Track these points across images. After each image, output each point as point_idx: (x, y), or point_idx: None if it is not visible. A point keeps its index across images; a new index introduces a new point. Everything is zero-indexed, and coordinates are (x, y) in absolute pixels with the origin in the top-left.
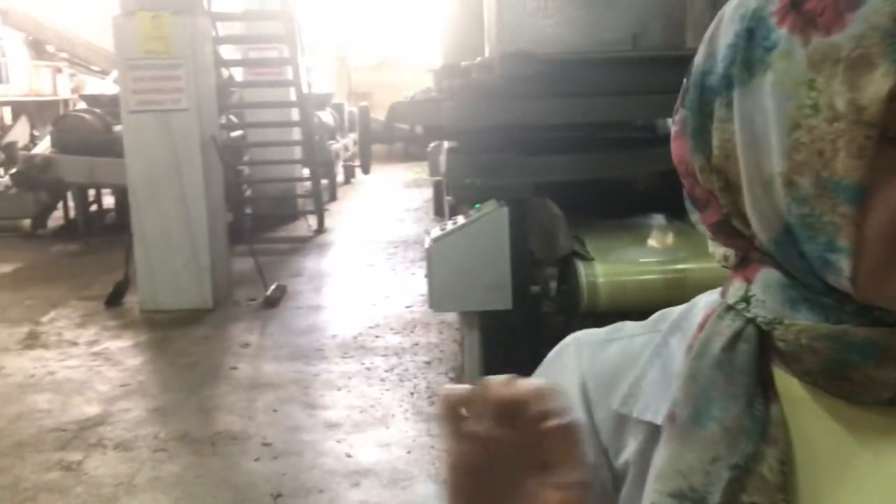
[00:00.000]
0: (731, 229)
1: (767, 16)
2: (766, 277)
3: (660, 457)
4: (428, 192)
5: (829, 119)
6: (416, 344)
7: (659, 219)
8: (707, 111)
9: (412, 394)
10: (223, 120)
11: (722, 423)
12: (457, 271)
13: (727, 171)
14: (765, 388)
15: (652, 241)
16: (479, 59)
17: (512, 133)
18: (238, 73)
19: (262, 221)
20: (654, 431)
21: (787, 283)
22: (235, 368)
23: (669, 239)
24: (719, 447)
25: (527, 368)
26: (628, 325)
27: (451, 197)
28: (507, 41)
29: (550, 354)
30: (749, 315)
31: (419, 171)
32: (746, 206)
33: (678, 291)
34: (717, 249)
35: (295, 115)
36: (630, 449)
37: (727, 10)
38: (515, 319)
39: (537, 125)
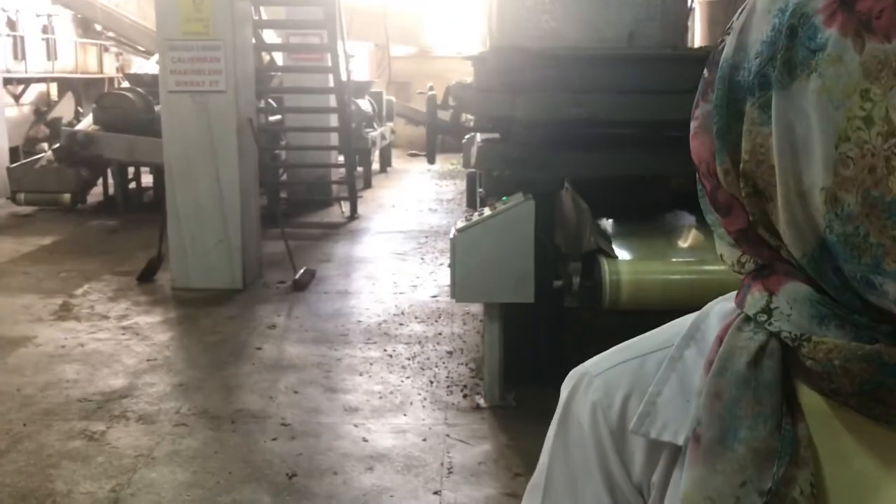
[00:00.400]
0: (756, 238)
1: (812, 13)
2: (793, 290)
3: (686, 480)
4: (462, 184)
5: (883, 134)
6: (440, 334)
7: (688, 219)
8: (736, 110)
9: (431, 382)
10: (262, 104)
11: (750, 444)
12: (481, 263)
13: (756, 178)
14: (790, 405)
15: (678, 241)
16: (478, 51)
17: (546, 128)
18: (279, 58)
19: (296, 206)
20: (674, 452)
21: (816, 298)
22: (260, 349)
23: (696, 240)
24: (749, 471)
25: (547, 362)
26: (635, 344)
27: (483, 189)
28: (506, 35)
29: (560, 406)
30: (772, 329)
31: (454, 162)
32: (779, 217)
33: (701, 292)
34: (728, 252)
35: (333, 101)
36: (645, 470)
37: (758, 1)
38: (537, 313)
39: (528, 120)
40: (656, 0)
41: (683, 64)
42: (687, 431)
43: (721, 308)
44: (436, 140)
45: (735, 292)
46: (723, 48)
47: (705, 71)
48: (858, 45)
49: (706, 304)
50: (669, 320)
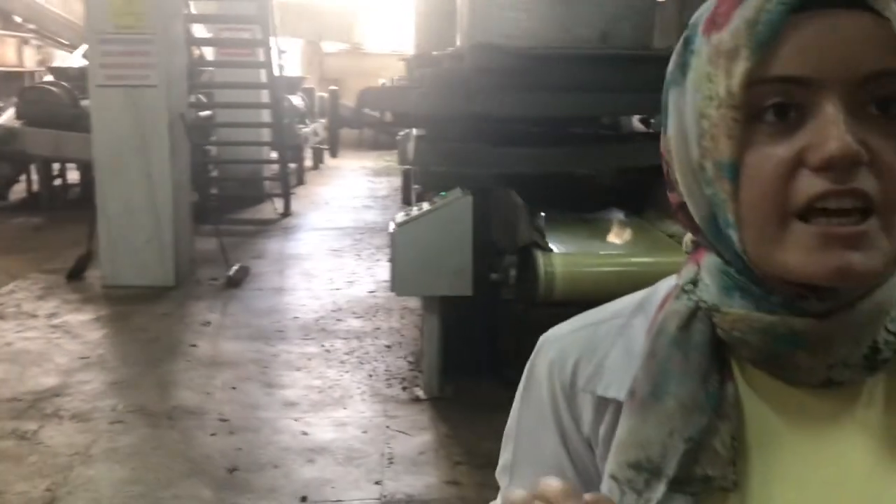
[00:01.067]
0: (686, 212)
1: (699, 23)
2: (710, 262)
3: (621, 429)
4: (397, 181)
5: (717, 106)
6: (378, 328)
7: (618, 214)
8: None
9: (371, 376)
10: (192, 99)
11: (678, 398)
12: (420, 257)
13: (671, 161)
14: (722, 367)
15: (610, 235)
16: (450, 49)
17: (479, 123)
18: (209, 53)
19: (228, 202)
20: (618, 408)
21: (723, 268)
22: (195, 346)
23: (627, 234)
24: (675, 421)
25: (484, 354)
26: (592, 314)
27: (418, 185)
28: (479, 33)
29: (527, 366)
30: (695, 298)
31: (389, 159)
32: (683, 191)
33: (632, 284)
34: (686, 236)
35: (265, 97)
36: (594, 424)
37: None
38: (475, 306)
39: (504, 117)
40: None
41: (653, 63)
42: (628, 388)
43: (668, 283)
44: (339, 134)
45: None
46: None
47: None
48: (708, 40)
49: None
50: None
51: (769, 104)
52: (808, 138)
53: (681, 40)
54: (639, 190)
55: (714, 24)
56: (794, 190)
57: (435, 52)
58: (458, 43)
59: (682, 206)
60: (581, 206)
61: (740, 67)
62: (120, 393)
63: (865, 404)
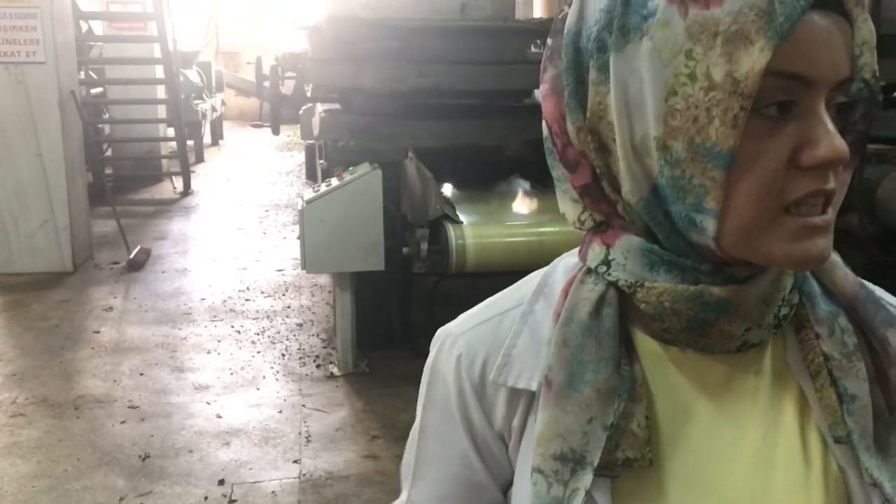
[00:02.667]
0: (598, 192)
1: None
2: (627, 242)
3: (540, 421)
4: (300, 156)
5: (705, 88)
6: (288, 307)
7: (524, 184)
8: (581, 72)
9: (283, 356)
10: (81, 75)
11: (594, 385)
12: (330, 233)
13: (601, 133)
14: (627, 348)
15: (516, 205)
16: (311, 22)
17: (385, 98)
18: (98, 27)
19: (124, 182)
20: (530, 398)
21: (647, 247)
22: (98, 332)
23: (533, 204)
24: (594, 409)
25: (398, 327)
26: (493, 304)
27: (324, 160)
28: (340, 5)
29: (428, 363)
30: (610, 278)
31: (291, 133)
32: (620, 167)
33: (540, 253)
34: (571, 210)
35: (159, 72)
36: (507, 417)
37: None
38: (388, 280)
39: (369, 91)
40: None
41: (516, 35)
42: (539, 378)
43: (566, 263)
44: (279, 112)
45: (578, 248)
46: (564, 17)
47: (549, 39)
48: (682, 11)
49: (544, 263)
50: (509, 281)
51: (775, 100)
52: (802, 136)
53: (617, 0)
54: (543, 161)
55: None
56: (788, 185)
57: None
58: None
59: (590, 186)
60: (487, 177)
61: (755, 58)
62: (20, 385)
63: (765, 363)
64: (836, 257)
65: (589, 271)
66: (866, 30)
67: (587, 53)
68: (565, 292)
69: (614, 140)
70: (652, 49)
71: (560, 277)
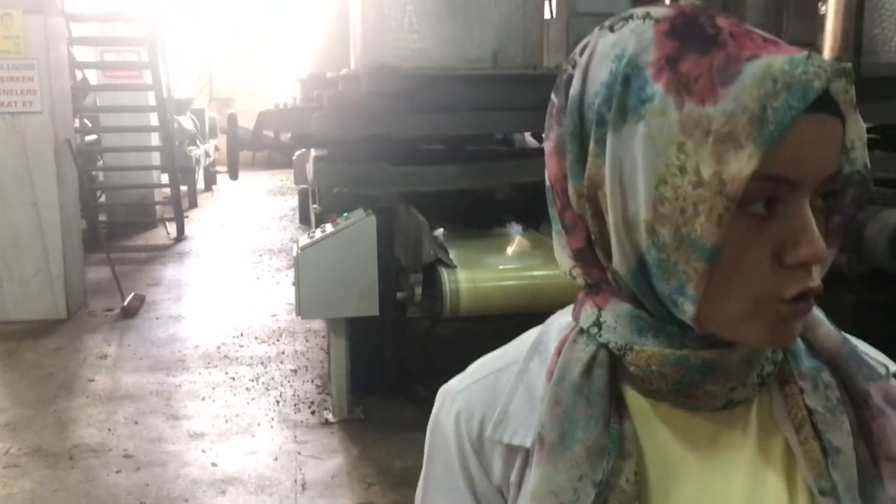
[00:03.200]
0: (591, 257)
1: (644, 66)
2: (617, 308)
3: (533, 477)
4: (293, 200)
5: (693, 183)
6: (282, 353)
7: (516, 228)
8: (583, 140)
9: (278, 402)
10: (76, 123)
11: (585, 443)
12: (325, 279)
13: (598, 201)
14: (618, 406)
15: (510, 250)
16: (344, 70)
17: (379, 144)
18: (92, 75)
19: (118, 229)
20: (527, 454)
21: (636, 314)
22: (92, 380)
23: (525, 247)
24: (584, 466)
25: (392, 373)
26: (491, 361)
27: (317, 205)
28: (372, 55)
29: (431, 419)
30: (601, 340)
31: (284, 178)
32: (611, 238)
33: (533, 297)
34: (564, 261)
35: (154, 119)
36: (504, 472)
37: (600, 43)
38: (382, 325)
39: (404, 137)
40: (517, 21)
41: (541, 83)
42: (534, 435)
43: (560, 322)
44: (237, 157)
45: (571, 306)
46: (567, 77)
47: (553, 96)
48: (679, 103)
49: (537, 307)
50: (503, 325)
51: (760, 198)
52: (785, 235)
53: (618, 77)
54: (534, 204)
55: (686, 89)
56: (772, 282)
57: (329, 74)
58: (352, 65)
59: (584, 250)
60: (479, 221)
61: (743, 163)
62: (13, 435)
63: (751, 419)
64: (819, 314)
65: (581, 331)
66: (857, 127)
67: (589, 123)
68: (558, 351)
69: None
70: (647, 135)
71: (554, 336)
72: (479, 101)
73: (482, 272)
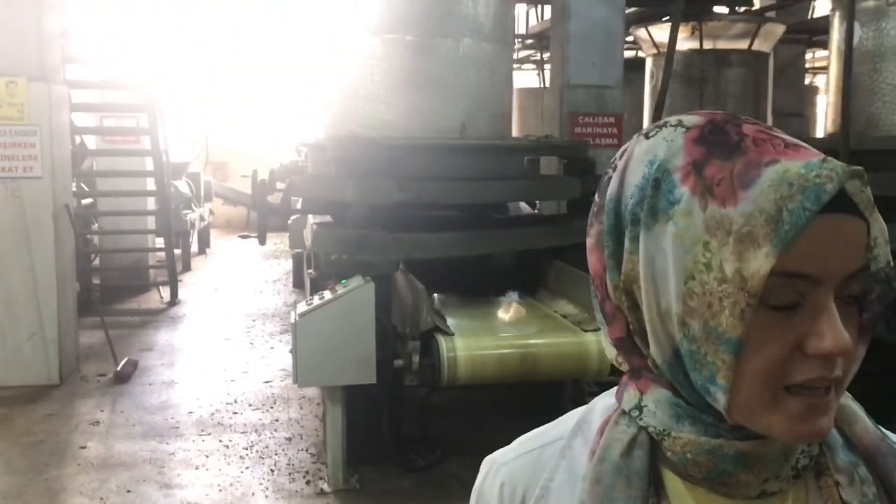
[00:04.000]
0: (631, 346)
1: (673, 170)
2: (657, 394)
3: None
4: (287, 264)
5: (718, 279)
6: (276, 420)
7: (512, 295)
8: (620, 237)
9: (272, 471)
10: (73, 188)
11: None
12: (323, 346)
13: (634, 294)
14: (656, 487)
15: (506, 317)
16: (312, 140)
17: (376, 211)
18: (89, 140)
19: (111, 292)
20: None
21: (674, 401)
22: (84, 448)
23: (522, 315)
24: None
25: (389, 441)
26: (535, 437)
27: (312, 270)
28: (340, 124)
29: (475, 488)
30: (642, 423)
31: (278, 241)
32: (647, 329)
33: (531, 365)
34: (611, 350)
35: (150, 184)
36: None
37: (637, 150)
38: (379, 393)
39: (367, 205)
40: (484, 92)
41: (511, 153)
42: None
43: (604, 403)
44: (266, 222)
45: (615, 388)
46: (607, 179)
47: (595, 196)
48: (703, 204)
49: (534, 375)
50: (500, 393)
51: (784, 298)
52: (808, 326)
53: (649, 181)
54: (531, 271)
55: (710, 192)
56: (792, 370)
57: (311, 142)
58: (322, 133)
59: (624, 339)
60: (477, 288)
61: (761, 262)
62: None
63: (789, 502)
64: (857, 409)
65: (623, 413)
66: (878, 225)
67: (625, 222)
68: (601, 431)
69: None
70: (675, 234)
71: (598, 416)
72: (447, 171)
73: (479, 340)
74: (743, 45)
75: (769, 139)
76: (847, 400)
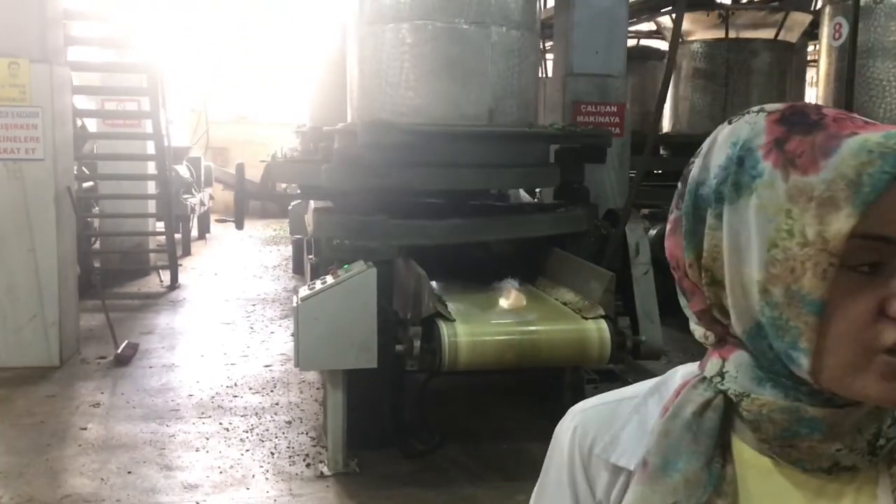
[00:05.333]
0: (711, 317)
1: (756, 148)
2: (739, 358)
3: (630, 495)
4: (286, 250)
5: (800, 244)
6: (277, 403)
7: (512, 282)
8: (699, 217)
9: (273, 454)
10: (74, 171)
11: (685, 474)
12: (325, 330)
13: (714, 270)
14: (724, 451)
15: (507, 304)
16: (340, 125)
17: (379, 196)
18: (90, 122)
19: (112, 275)
20: (627, 476)
21: (755, 364)
22: (85, 429)
23: (522, 302)
24: (679, 494)
25: (389, 426)
26: (616, 392)
27: (313, 256)
28: (369, 110)
29: (555, 431)
30: (722, 387)
31: (278, 228)
32: (728, 301)
33: (531, 352)
34: (697, 329)
35: (151, 168)
36: (607, 489)
37: (721, 135)
38: (378, 377)
39: (404, 190)
40: (513, 79)
41: (535, 140)
42: (639, 459)
43: (685, 370)
44: (244, 207)
45: (700, 360)
46: (691, 166)
47: (679, 184)
48: (785, 176)
49: (533, 361)
50: (499, 379)
51: (866, 260)
52: (891, 289)
53: (733, 159)
54: (532, 259)
55: (792, 163)
56: (880, 333)
57: (326, 128)
58: (349, 118)
59: (705, 311)
60: (478, 275)
61: (842, 222)
62: (4, 484)
63: (857, 483)
64: None
65: (703, 379)
66: None
67: (706, 202)
68: (677, 392)
69: (724, 277)
70: (759, 205)
71: (678, 380)
72: (474, 158)
73: (480, 326)
74: (769, 34)
75: (847, 118)
76: None
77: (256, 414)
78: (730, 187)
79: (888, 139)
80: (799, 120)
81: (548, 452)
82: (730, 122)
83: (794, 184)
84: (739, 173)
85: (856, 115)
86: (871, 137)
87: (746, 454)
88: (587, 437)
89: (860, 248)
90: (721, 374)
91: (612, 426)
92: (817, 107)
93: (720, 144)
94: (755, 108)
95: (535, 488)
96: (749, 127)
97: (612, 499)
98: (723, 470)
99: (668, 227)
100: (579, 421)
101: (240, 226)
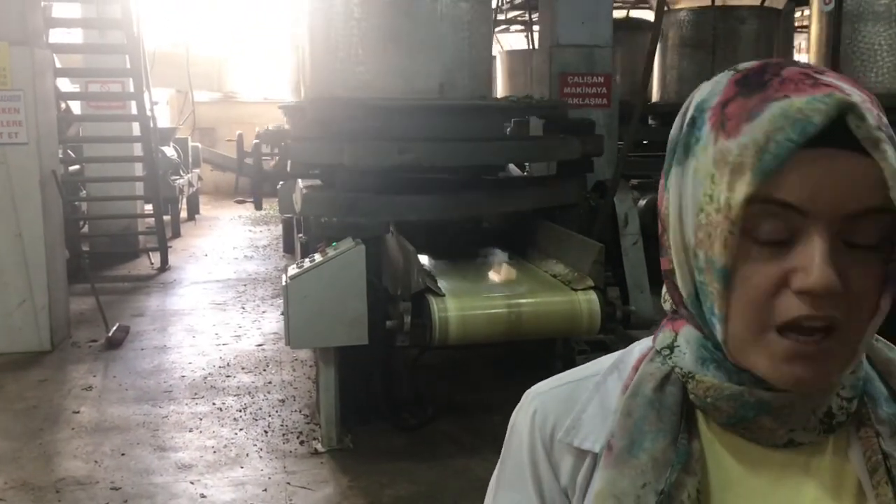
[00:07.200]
0: (672, 281)
1: (707, 109)
2: (688, 333)
3: (598, 480)
4: (276, 230)
5: (716, 209)
6: (269, 382)
7: (500, 255)
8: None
9: (266, 432)
10: (60, 154)
11: (652, 454)
12: (315, 308)
13: (669, 230)
14: (689, 425)
15: (496, 277)
16: (291, 102)
17: (366, 175)
18: (75, 105)
19: (101, 259)
20: (594, 460)
21: (702, 341)
22: (78, 412)
23: (512, 275)
24: (648, 475)
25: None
26: (573, 372)
27: (303, 235)
28: (320, 86)
29: (512, 417)
30: (670, 363)
31: (268, 207)
32: (674, 264)
33: (521, 324)
34: (667, 302)
35: (137, 150)
36: (572, 474)
37: (696, 93)
38: (370, 354)
39: (352, 168)
40: (464, 52)
41: (491, 113)
42: (603, 442)
43: (642, 345)
44: (262, 187)
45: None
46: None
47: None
48: (714, 139)
49: (524, 334)
50: (491, 353)
51: (774, 233)
52: (795, 262)
53: (687, 118)
54: (520, 232)
55: (722, 126)
56: (777, 307)
57: (286, 103)
58: (302, 94)
59: (671, 272)
60: (467, 249)
61: (742, 188)
62: None
63: (818, 456)
64: None
65: (658, 352)
66: (887, 164)
67: (667, 161)
68: (635, 368)
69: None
70: (695, 168)
71: (635, 356)
72: (425, 132)
73: (470, 300)
74: (755, 1)
75: (802, 79)
76: (892, 353)
77: (249, 393)
78: (679, 149)
79: (809, 104)
80: (751, 80)
81: (505, 441)
82: (707, 81)
83: (719, 147)
84: (689, 134)
85: (820, 76)
86: (794, 102)
87: (712, 427)
88: (547, 422)
89: (766, 216)
90: (671, 348)
91: (573, 408)
92: (784, 66)
93: (688, 103)
94: (735, 67)
95: (492, 481)
96: (711, 87)
97: (578, 483)
98: (689, 446)
99: (661, 181)
100: (538, 405)
101: (259, 206)
